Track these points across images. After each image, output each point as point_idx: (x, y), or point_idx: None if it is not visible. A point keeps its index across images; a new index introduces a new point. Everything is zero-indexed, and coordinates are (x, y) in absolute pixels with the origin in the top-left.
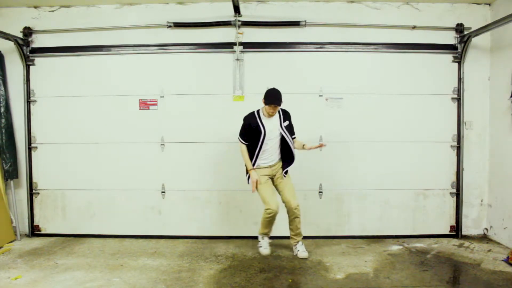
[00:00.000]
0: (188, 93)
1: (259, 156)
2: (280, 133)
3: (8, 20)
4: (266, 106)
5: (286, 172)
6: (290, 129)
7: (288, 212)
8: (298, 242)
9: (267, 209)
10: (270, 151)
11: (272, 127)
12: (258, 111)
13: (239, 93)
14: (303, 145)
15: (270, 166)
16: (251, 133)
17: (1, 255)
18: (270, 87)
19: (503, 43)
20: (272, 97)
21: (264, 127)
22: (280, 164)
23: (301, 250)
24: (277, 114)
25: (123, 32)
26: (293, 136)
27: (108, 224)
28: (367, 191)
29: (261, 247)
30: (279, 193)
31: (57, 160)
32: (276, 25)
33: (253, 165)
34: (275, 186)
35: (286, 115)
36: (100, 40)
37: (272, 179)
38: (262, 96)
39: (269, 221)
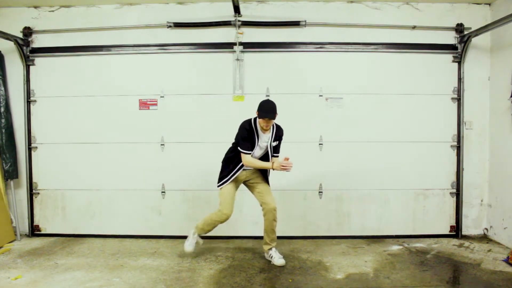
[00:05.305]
0: (188, 93)
1: (240, 164)
2: (266, 151)
3: (8, 20)
4: (260, 120)
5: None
6: (276, 148)
7: (265, 214)
8: (272, 248)
9: (222, 213)
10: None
11: (263, 142)
12: (254, 120)
13: (239, 93)
14: (272, 163)
15: (249, 170)
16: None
17: (1, 255)
18: (271, 87)
19: (503, 43)
20: (265, 111)
21: (258, 139)
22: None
23: (277, 257)
24: (271, 130)
25: (123, 32)
26: (276, 154)
27: (108, 224)
28: (367, 191)
29: (187, 242)
30: (256, 195)
31: (57, 160)
32: (276, 25)
33: (234, 174)
34: (252, 187)
35: (278, 135)
36: (100, 40)
37: (245, 182)
38: (263, 96)
39: (216, 224)
